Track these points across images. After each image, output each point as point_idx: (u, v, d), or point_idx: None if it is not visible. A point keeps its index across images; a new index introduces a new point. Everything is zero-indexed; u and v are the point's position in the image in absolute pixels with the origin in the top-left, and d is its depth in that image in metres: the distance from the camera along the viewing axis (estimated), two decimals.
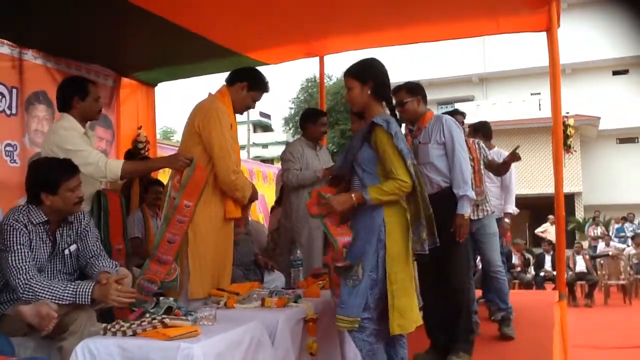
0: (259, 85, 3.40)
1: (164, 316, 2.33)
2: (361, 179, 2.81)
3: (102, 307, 2.63)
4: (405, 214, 2.78)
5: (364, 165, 2.80)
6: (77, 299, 2.48)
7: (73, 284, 2.55)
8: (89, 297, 2.49)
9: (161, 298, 2.54)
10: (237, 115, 3.51)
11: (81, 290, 2.50)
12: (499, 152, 5.25)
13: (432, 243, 2.82)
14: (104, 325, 2.34)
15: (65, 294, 2.48)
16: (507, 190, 5.22)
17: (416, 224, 2.78)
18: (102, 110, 3.43)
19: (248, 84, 3.34)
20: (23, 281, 2.51)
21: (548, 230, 14.77)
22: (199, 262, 3.15)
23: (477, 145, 4.44)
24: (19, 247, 2.56)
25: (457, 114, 4.54)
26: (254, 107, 3.51)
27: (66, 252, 2.77)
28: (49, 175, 2.65)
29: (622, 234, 15.59)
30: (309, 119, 4.60)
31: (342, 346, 3.30)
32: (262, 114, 40.22)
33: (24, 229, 2.60)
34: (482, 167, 4.40)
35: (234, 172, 3.19)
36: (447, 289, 3.54)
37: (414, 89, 3.71)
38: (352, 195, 2.74)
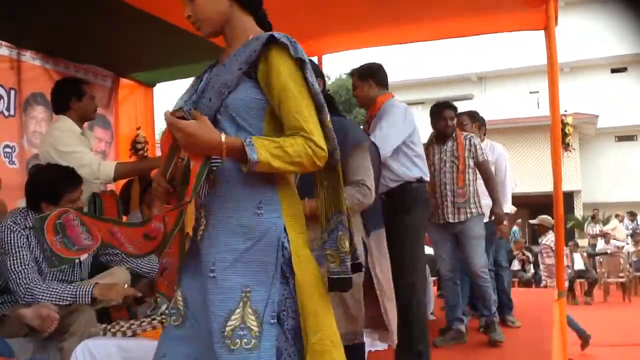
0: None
1: (163, 316, 2.34)
2: None
3: (103, 306, 2.63)
4: (299, 206, 1.69)
5: (240, 117, 1.61)
6: (78, 299, 2.49)
7: (72, 285, 2.56)
8: (89, 296, 2.49)
9: (159, 299, 2.55)
10: None
11: (81, 290, 2.50)
12: (491, 145, 5.10)
13: (353, 259, 1.70)
14: (103, 325, 2.34)
15: (65, 295, 2.49)
16: (501, 188, 4.88)
17: (333, 224, 1.67)
18: (97, 110, 3.43)
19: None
20: (23, 286, 2.51)
21: (617, 228, 14.66)
22: None
23: (467, 142, 4.25)
24: (18, 249, 2.56)
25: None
26: None
27: (76, 261, 2.77)
28: (52, 185, 2.65)
29: None
30: None
31: None
32: None
33: (22, 232, 2.60)
34: (468, 166, 4.20)
35: None
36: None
37: (364, 73, 3.47)
38: (223, 138, 1.51)
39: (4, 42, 4.58)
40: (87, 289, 2.50)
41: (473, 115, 5.10)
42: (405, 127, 3.30)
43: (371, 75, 3.45)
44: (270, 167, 1.51)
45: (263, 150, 1.50)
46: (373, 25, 5.00)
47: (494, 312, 4.26)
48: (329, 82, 25.19)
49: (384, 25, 4.96)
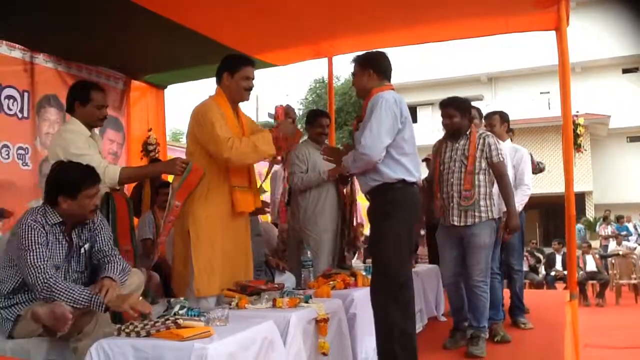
0: (237, 65, 3.40)
1: (177, 317, 2.36)
2: None
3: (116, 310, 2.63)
4: None
5: None
6: (92, 305, 2.49)
7: (88, 289, 2.57)
8: (103, 305, 2.49)
9: (172, 300, 2.57)
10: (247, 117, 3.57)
11: (96, 297, 2.50)
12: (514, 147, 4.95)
13: None
14: (117, 326, 2.36)
15: (81, 298, 2.50)
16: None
17: None
18: (106, 118, 3.40)
19: (228, 71, 3.38)
20: (42, 279, 2.53)
21: None
22: (203, 262, 3.18)
23: (481, 141, 3.99)
24: (37, 246, 2.59)
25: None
26: (252, 86, 3.43)
27: (82, 250, 2.82)
28: (71, 179, 2.69)
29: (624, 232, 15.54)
30: (307, 121, 4.72)
31: (353, 346, 3.31)
32: (271, 115, 40.22)
33: (42, 229, 2.63)
34: (479, 167, 3.95)
35: (226, 149, 3.15)
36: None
37: (364, 61, 3.28)
38: None
39: (17, 45, 4.63)
40: (101, 300, 2.50)
41: (501, 114, 5.04)
42: (395, 122, 3.08)
43: (372, 64, 3.25)
44: None
45: None
46: (383, 27, 5.01)
47: (484, 327, 3.99)
48: (338, 83, 25.22)
49: (394, 26, 4.97)
